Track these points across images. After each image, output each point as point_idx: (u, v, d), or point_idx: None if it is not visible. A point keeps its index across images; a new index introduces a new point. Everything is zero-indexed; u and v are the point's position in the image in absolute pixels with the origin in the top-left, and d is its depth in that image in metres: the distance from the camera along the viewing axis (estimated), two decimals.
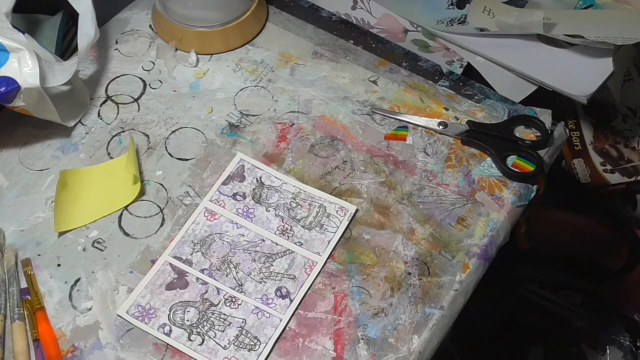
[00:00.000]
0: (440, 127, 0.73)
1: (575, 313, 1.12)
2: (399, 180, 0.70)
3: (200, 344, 0.60)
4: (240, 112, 0.74)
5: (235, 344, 0.60)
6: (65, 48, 0.79)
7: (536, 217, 1.04)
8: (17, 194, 0.68)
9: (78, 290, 0.62)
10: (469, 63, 0.86)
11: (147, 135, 0.72)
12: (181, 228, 0.66)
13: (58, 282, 0.63)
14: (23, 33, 0.68)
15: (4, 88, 0.64)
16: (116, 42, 0.80)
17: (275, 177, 0.69)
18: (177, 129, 0.73)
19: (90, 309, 0.61)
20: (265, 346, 0.59)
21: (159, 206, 0.68)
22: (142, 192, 0.68)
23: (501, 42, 0.87)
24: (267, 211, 0.67)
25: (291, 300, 0.62)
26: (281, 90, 0.76)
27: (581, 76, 0.83)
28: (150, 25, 0.81)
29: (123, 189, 0.68)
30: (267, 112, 0.74)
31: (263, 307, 0.62)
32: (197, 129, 0.73)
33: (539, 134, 0.73)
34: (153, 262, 0.64)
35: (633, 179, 1.05)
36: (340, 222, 0.66)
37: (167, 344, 0.60)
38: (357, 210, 0.67)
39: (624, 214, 1.13)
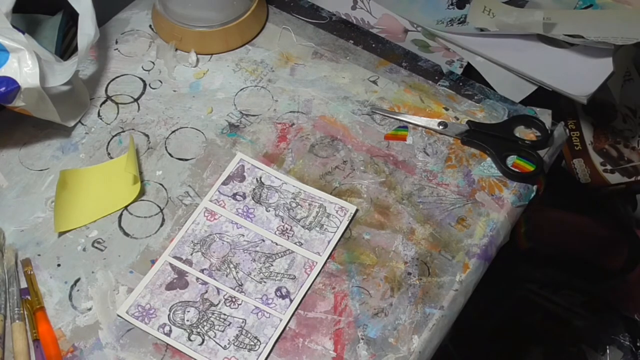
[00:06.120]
0: (440, 127, 0.73)
1: (575, 313, 1.12)
2: (399, 180, 0.70)
3: (200, 344, 0.60)
4: (240, 112, 0.74)
5: (235, 344, 0.60)
6: (65, 48, 0.79)
7: (536, 217, 1.04)
8: (17, 194, 0.68)
9: (78, 290, 0.62)
10: (469, 63, 0.86)
11: (147, 135, 0.72)
12: (181, 228, 0.66)
13: (58, 282, 0.63)
14: (23, 33, 0.68)
15: (4, 88, 0.64)
16: (116, 42, 0.80)
17: (275, 177, 0.69)
18: (177, 129, 0.73)
19: (90, 309, 0.61)
20: (265, 346, 0.59)
21: (159, 206, 0.68)
22: (142, 192, 0.68)
23: (501, 42, 0.87)
24: (267, 211, 0.67)
25: (291, 300, 0.62)
26: (281, 90, 0.76)
27: (581, 76, 0.83)
28: (150, 25, 0.81)
29: (123, 189, 0.68)
30: (267, 112, 0.74)
31: (263, 307, 0.62)
32: (197, 129, 0.73)
33: (539, 134, 0.73)
34: (153, 262, 0.64)
35: (633, 179, 1.05)
36: (340, 222, 0.66)
37: (167, 344, 0.60)
38: (357, 210, 0.67)
39: (624, 214, 1.13)
